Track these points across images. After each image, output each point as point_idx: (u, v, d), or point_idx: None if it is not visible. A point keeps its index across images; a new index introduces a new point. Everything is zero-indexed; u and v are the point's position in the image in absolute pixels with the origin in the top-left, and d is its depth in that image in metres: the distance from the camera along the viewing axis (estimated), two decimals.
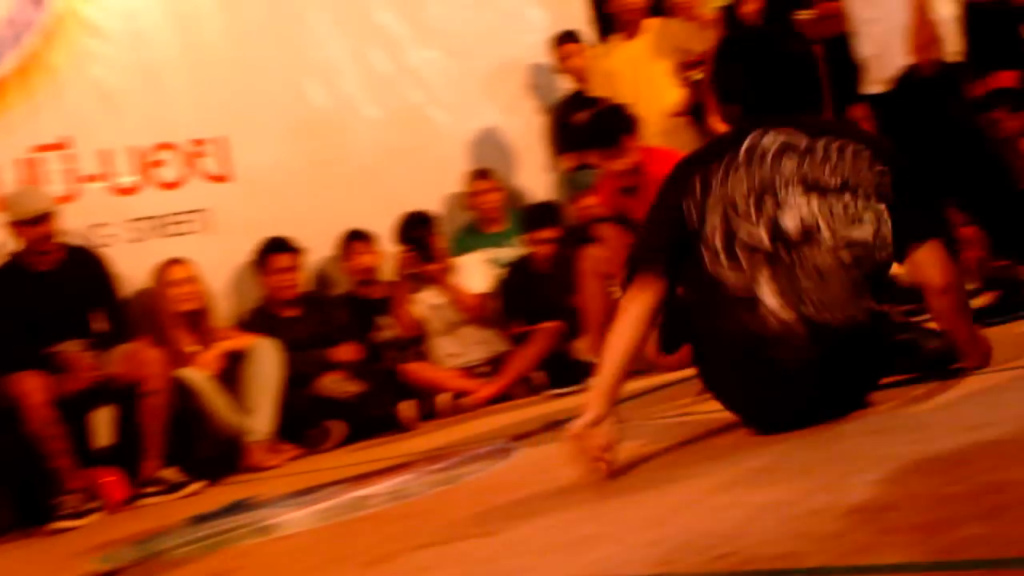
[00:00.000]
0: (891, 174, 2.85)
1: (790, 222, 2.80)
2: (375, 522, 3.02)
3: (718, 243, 2.84)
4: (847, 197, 2.81)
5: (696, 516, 2.06)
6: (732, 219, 2.84)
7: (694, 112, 6.65)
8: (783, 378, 2.75)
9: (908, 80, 4.17)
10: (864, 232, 2.80)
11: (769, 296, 2.77)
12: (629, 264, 3.00)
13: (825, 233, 2.78)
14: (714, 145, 3.12)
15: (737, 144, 2.92)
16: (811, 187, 2.82)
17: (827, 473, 2.09)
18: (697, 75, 6.57)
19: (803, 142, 2.87)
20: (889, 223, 2.82)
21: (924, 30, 4.10)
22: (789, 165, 2.85)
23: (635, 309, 2.92)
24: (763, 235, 2.80)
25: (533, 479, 2.94)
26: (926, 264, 2.87)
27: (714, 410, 3.24)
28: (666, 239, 2.96)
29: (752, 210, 2.83)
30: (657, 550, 1.91)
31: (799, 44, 3.26)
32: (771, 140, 2.90)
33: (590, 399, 2.83)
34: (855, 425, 2.55)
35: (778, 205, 2.82)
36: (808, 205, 2.80)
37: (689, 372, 4.79)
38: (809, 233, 2.78)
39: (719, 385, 3.05)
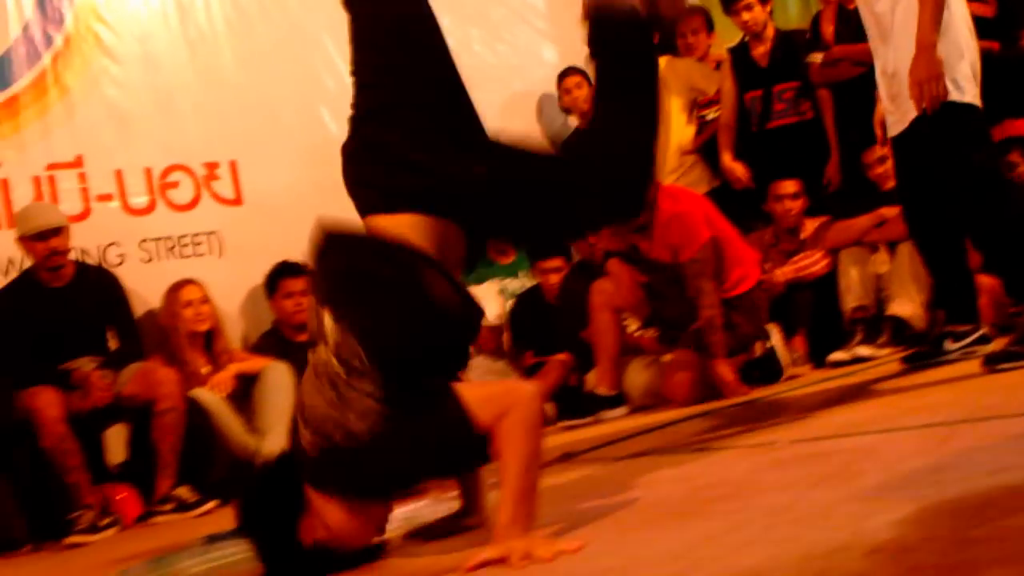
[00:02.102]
0: None
1: None
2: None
3: None
4: None
5: (715, 553, 2.04)
6: None
7: (705, 150, 6.70)
8: None
9: (924, 121, 4.19)
10: None
11: None
12: None
13: None
14: None
15: None
16: None
17: (848, 513, 2.07)
18: (711, 114, 6.63)
19: None
20: None
21: (923, 68, 4.10)
22: None
23: None
24: None
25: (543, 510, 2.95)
26: None
27: (728, 445, 3.27)
28: None
29: None
30: None
31: None
32: None
33: None
34: (872, 465, 2.54)
35: None
36: None
37: (703, 407, 4.89)
38: None
39: None
